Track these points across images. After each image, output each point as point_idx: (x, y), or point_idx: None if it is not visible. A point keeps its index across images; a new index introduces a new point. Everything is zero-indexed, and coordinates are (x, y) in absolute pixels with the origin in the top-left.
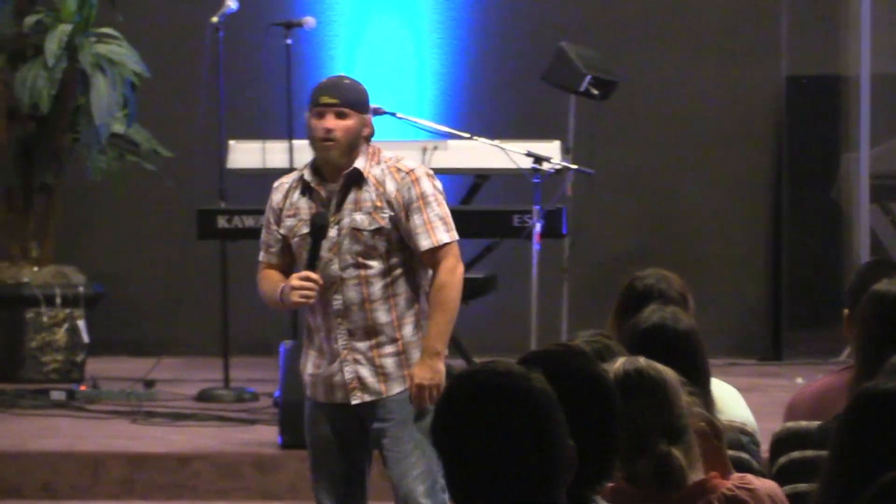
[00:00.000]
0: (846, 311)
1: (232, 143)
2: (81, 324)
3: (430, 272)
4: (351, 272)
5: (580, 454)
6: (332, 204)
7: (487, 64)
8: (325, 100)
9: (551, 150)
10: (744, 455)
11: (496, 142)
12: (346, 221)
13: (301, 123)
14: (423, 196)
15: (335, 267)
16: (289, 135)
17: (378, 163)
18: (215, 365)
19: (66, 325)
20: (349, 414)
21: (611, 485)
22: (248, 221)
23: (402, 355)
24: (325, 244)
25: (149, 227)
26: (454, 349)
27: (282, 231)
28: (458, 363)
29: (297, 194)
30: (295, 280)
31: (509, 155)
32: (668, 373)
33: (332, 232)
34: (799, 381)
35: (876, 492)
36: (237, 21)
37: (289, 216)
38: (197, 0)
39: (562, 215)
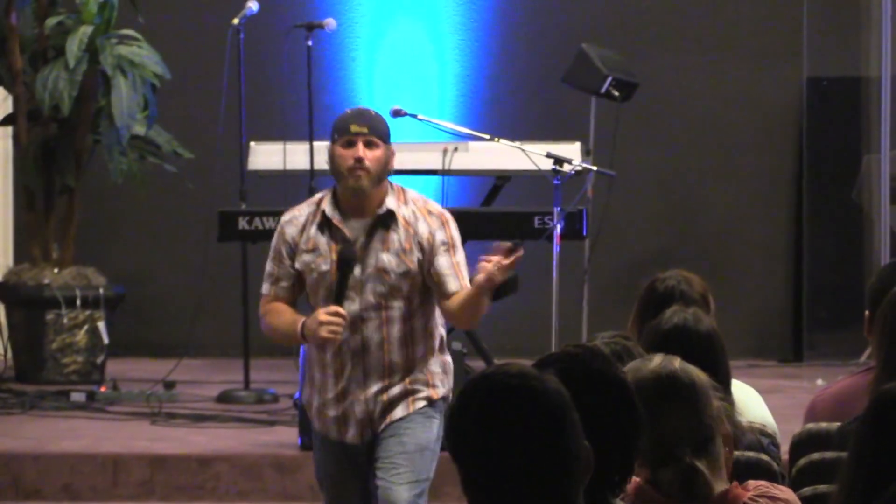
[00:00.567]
0: (867, 312)
1: (253, 144)
2: (102, 325)
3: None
4: (372, 312)
5: (598, 456)
6: (358, 242)
7: (508, 65)
8: (356, 128)
9: (572, 152)
10: (764, 457)
11: (517, 143)
12: (372, 261)
13: (322, 123)
14: (452, 240)
15: (356, 306)
16: (309, 136)
17: (405, 203)
18: (236, 366)
19: (86, 327)
20: (360, 450)
21: (636, 484)
22: (269, 223)
23: (409, 394)
24: (350, 279)
25: (169, 228)
26: (474, 350)
27: (297, 266)
28: (478, 364)
29: (313, 229)
30: (323, 315)
31: (530, 156)
32: (702, 378)
33: (356, 271)
34: (819, 382)
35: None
36: (258, 23)
37: (306, 251)
38: (218, 2)
39: (582, 217)
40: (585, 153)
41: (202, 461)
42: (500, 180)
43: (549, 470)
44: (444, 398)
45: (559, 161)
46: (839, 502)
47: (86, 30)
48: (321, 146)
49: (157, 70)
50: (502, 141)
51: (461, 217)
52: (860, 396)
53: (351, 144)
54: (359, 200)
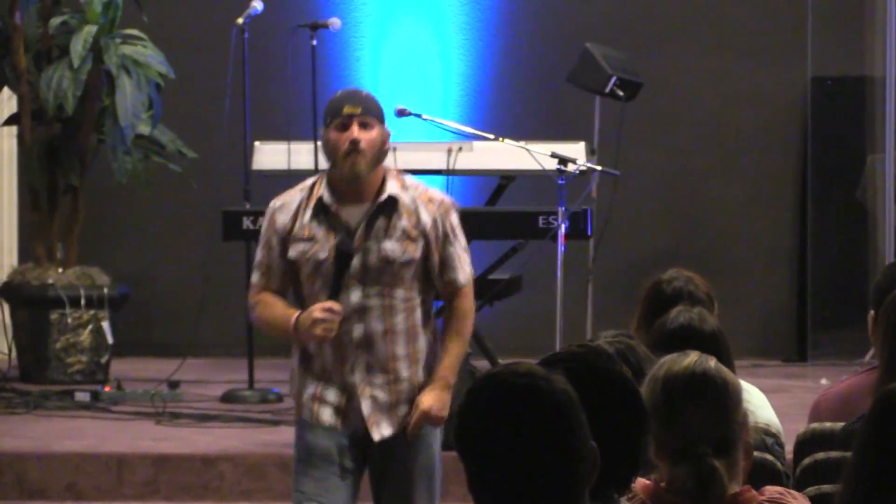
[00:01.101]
0: (871, 311)
1: (257, 144)
2: (106, 325)
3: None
4: (375, 301)
5: (603, 454)
6: (359, 229)
7: (513, 65)
8: (349, 109)
9: (576, 152)
10: (768, 456)
11: (521, 143)
12: (374, 248)
13: None
14: (454, 229)
15: (358, 296)
16: (314, 136)
17: (405, 188)
18: (240, 366)
19: (90, 327)
20: (353, 444)
21: (649, 484)
22: None
23: (415, 393)
24: (348, 270)
25: (174, 228)
26: (478, 350)
27: (291, 255)
28: (483, 364)
29: (308, 215)
30: (318, 311)
31: (534, 156)
32: (734, 382)
33: (358, 259)
34: (824, 382)
35: None
36: (262, 22)
37: (301, 240)
38: (222, 1)
39: (587, 216)
40: (590, 153)
41: (206, 461)
42: (505, 180)
43: (556, 470)
44: None
45: (564, 161)
46: (843, 502)
47: (90, 29)
48: None
49: (161, 69)
50: (507, 141)
51: (466, 217)
52: (864, 396)
53: (345, 127)
54: (356, 185)
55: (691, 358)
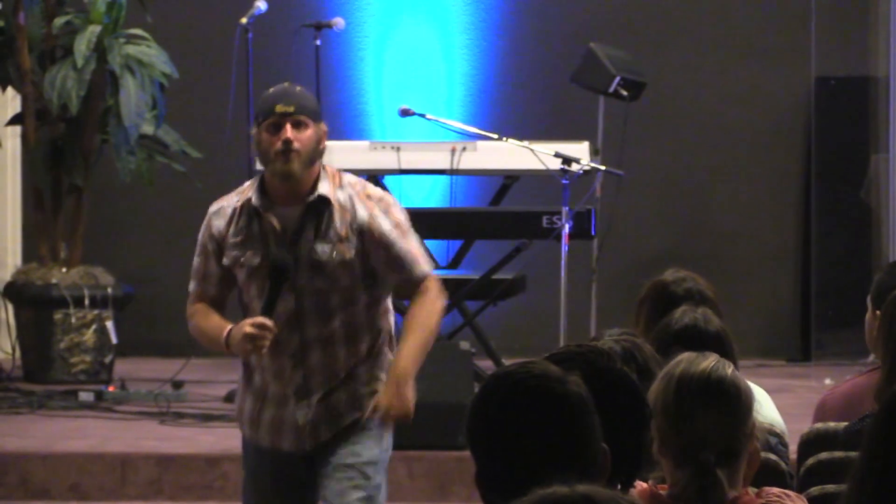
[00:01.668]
0: (870, 311)
1: None
2: (110, 325)
3: (390, 309)
4: (310, 308)
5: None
6: (287, 232)
7: (517, 65)
8: (281, 108)
9: (580, 152)
10: (772, 456)
11: (525, 143)
12: (305, 252)
13: (330, 123)
14: (400, 225)
15: (291, 303)
16: None
17: (340, 186)
18: None
19: (94, 326)
20: (296, 460)
21: (648, 488)
22: None
23: (356, 405)
24: (285, 283)
25: (178, 228)
26: (483, 350)
27: (225, 261)
28: (487, 364)
29: (242, 220)
30: (248, 327)
31: (538, 156)
32: (748, 392)
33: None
34: (828, 381)
35: None
36: (266, 22)
37: (235, 245)
38: (226, 1)
39: (591, 216)
40: (594, 153)
41: (210, 461)
42: (509, 180)
43: (565, 471)
44: None
45: (567, 160)
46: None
47: (94, 29)
48: (330, 146)
49: (165, 69)
50: (511, 140)
51: (470, 217)
52: (868, 396)
53: (277, 127)
54: (289, 186)
55: (709, 361)
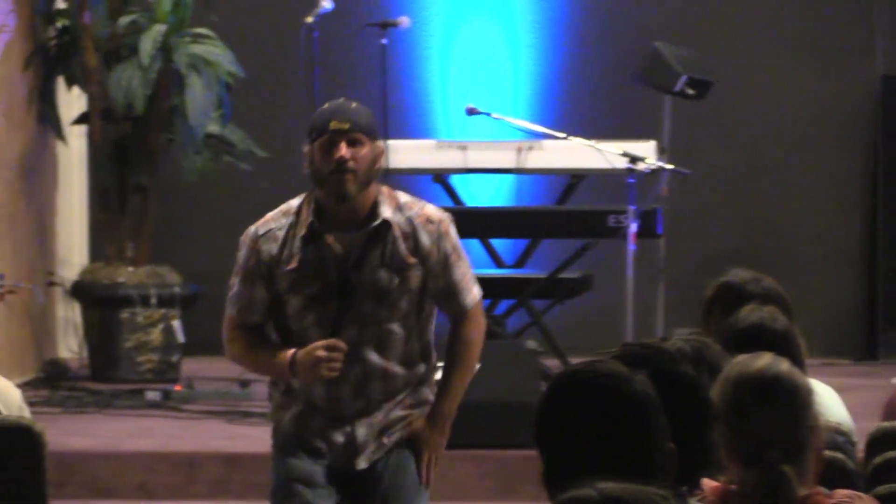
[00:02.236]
0: None
1: None
2: (176, 324)
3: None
4: (371, 338)
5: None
6: (351, 258)
7: (583, 64)
8: (336, 125)
9: (647, 150)
10: (839, 455)
11: (591, 142)
12: (369, 279)
13: (396, 122)
14: (455, 249)
15: (353, 331)
16: (384, 135)
17: (399, 209)
18: None
19: (161, 326)
20: (332, 473)
21: (720, 487)
22: None
23: (407, 419)
24: (336, 306)
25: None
26: (550, 349)
27: (280, 287)
28: (554, 363)
29: (297, 243)
30: (321, 351)
31: (605, 155)
32: (806, 386)
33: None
34: (894, 381)
35: None
36: (332, 21)
37: (291, 271)
38: (292, 0)
39: (657, 215)
40: (660, 151)
41: None
42: (575, 179)
43: (631, 470)
44: None
45: (634, 159)
46: None
47: (159, 28)
48: (396, 145)
49: (230, 68)
50: (577, 139)
51: (536, 216)
52: None
53: (332, 144)
54: (345, 208)
55: (763, 361)
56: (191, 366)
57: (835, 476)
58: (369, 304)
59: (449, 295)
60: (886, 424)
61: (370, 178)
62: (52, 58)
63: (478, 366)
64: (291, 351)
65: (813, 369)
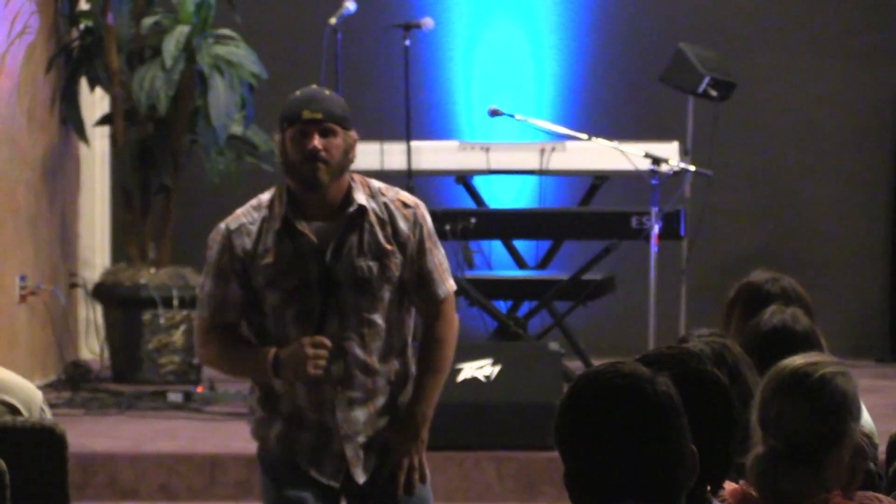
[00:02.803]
0: None
1: None
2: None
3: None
4: (353, 331)
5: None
6: (328, 248)
7: (606, 65)
8: (308, 115)
9: (670, 152)
10: None
11: (614, 143)
12: (348, 269)
13: (419, 123)
14: (430, 236)
15: (335, 326)
16: (407, 136)
17: (372, 195)
18: None
19: (183, 327)
20: (327, 491)
21: (735, 487)
22: None
23: (398, 425)
24: (319, 299)
25: None
26: (572, 350)
27: (256, 283)
28: (576, 365)
29: (271, 237)
30: (309, 348)
31: (628, 156)
32: (842, 390)
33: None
34: None
35: None
36: (355, 22)
37: (267, 265)
38: (315, 1)
39: (680, 217)
40: (683, 153)
41: None
42: (598, 180)
43: (653, 471)
44: None
45: (657, 161)
46: None
47: (183, 29)
48: (419, 146)
49: (254, 69)
50: (600, 141)
51: (559, 217)
52: None
53: (304, 135)
54: (318, 198)
55: (809, 358)
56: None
57: None
58: (351, 295)
59: (421, 283)
60: None
61: (343, 168)
62: (75, 59)
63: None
64: (273, 350)
65: None
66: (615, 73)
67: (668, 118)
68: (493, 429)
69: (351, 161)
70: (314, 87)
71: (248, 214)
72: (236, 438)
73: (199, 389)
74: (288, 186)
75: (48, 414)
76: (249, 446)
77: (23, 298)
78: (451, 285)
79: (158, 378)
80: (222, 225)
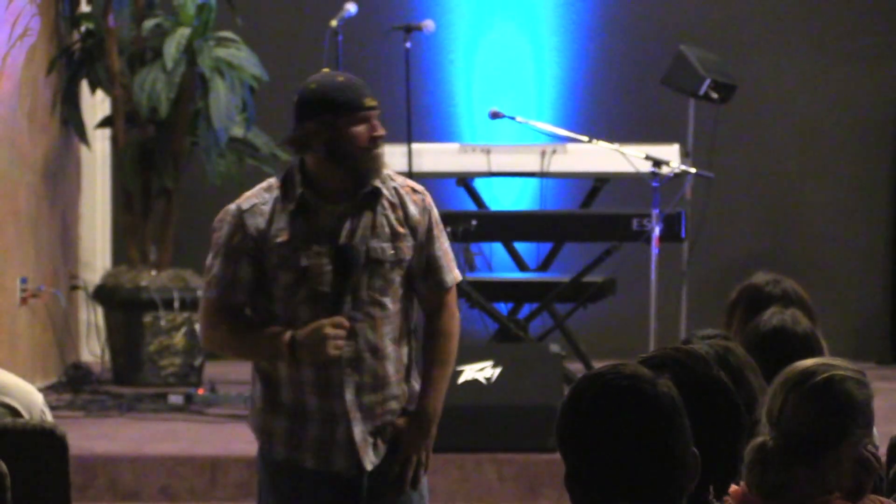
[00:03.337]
0: None
1: None
2: (199, 328)
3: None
4: (364, 314)
5: (702, 459)
6: (344, 229)
7: (607, 67)
8: (370, 101)
9: (670, 154)
10: None
11: (615, 145)
12: (363, 250)
13: (421, 125)
14: (438, 223)
15: (347, 306)
16: (408, 138)
17: (382, 180)
18: None
19: (183, 329)
20: (343, 483)
21: (737, 489)
22: None
23: (410, 419)
24: (334, 279)
25: None
26: (573, 353)
27: (268, 264)
28: (577, 367)
29: (285, 217)
30: (329, 328)
31: (628, 158)
32: (848, 395)
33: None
34: None
35: None
36: (356, 25)
37: (280, 245)
38: (316, 4)
39: (681, 219)
40: (684, 155)
41: None
42: (599, 182)
43: (654, 474)
44: None
45: (658, 163)
46: None
47: (183, 32)
48: (420, 148)
49: (255, 72)
50: (601, 143)
51: (560, 219)
52: None
53: (367, 121)
54: (336, 183)
55: (824, 361)
56: (213, 369)
57: None
58: (364, 277)
59: (429, 270)
60: None
61: None
62: (76, 61)
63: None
64: (288, 331)
65: None
66: (616, 76)
67: (669, 120)
68: (494, 431)
69: None
70: (343, 73)
71: (259, 195)
72: (237, 440)
73: (200, 391)
74: (301, 168)
75: (49, 416)
76: (250, 448)
77: (24, 301)
78: (457, 274)
79: (159, 380)
80: (232, 206)
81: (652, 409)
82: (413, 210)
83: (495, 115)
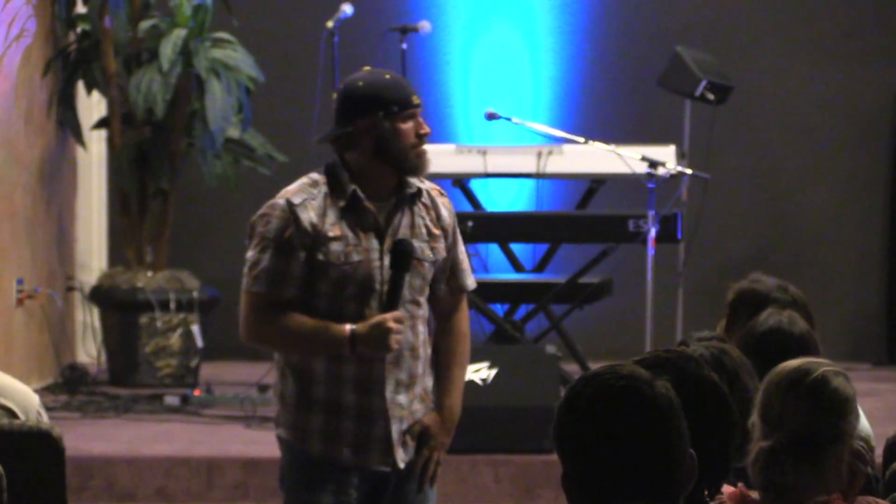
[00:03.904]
0: None
1: None
2: (195, 328)
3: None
4: (406, 311)
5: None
6: (392, 226)
7: (603, 68)
8: (417, 100)
9: (667, 155)
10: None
11: (611, 146)
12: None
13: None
14: (457, 227)
15: (394, 304)
16: None
17: (420, 180)
18: None
19: (180, 330)
20: (375, 479)
21: (733, 490)
22: None
23: (437, 419)
24: (378, 277)
25: None
26: (569, 354)
27: (321, 257)
28: (573, 368)
29: (334, 213)
30: (392, 323)
31: (624, 159)
32: (842, 392)
33: (388, 262)
34: None
35: None
36: (352, 26)
37: (333, 239)
38: (312, 5)
39: (677, 220)
40: (680, 156)
41: None
42: (595, 183)
43: (651, 475)
44: None
45: (654, 164)
46: None
47: (180, 33)
48: None
49: (251, 73)
50: (597, 144)
51: (556, 220)
52: None
53: (413, 118)
54: (381, 181)
55: (810, 361)
56: (209, 370)
57: None
58: (409, 275)
59: (453, 272)
60: None
61: None
62: (72, 62)
63: None
64: (346, 325)
65: None
66: (612, 77)
67: (665, 121)
68: (491, 432)
69: None
70: (384, 70)
71: (307, 191)
72: (233, 442)
73: (196, 393)
74: (347, 167)
75: (45, 417)
76: (246, 449)
77: (20, 302)
78: (473, 279)
79: (155, 381)
80: (280, 200)
81: (649, 410)
82: (444, 212)
83: (491, 116)
